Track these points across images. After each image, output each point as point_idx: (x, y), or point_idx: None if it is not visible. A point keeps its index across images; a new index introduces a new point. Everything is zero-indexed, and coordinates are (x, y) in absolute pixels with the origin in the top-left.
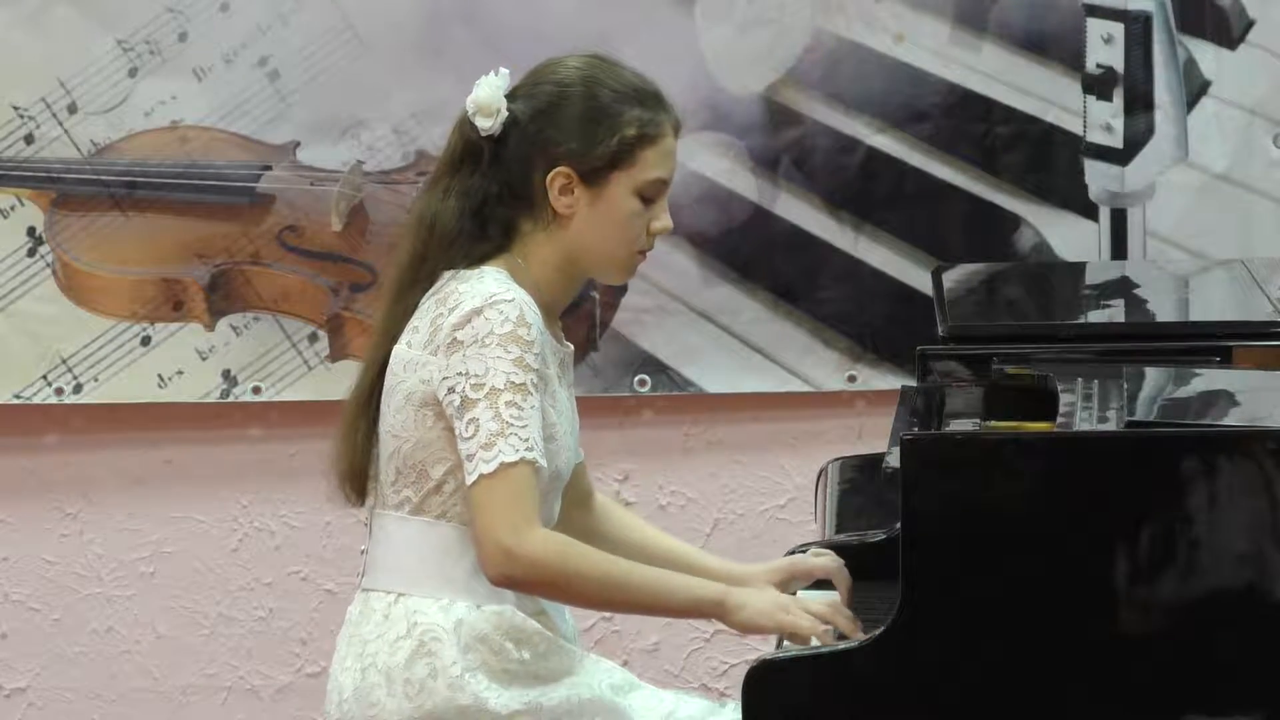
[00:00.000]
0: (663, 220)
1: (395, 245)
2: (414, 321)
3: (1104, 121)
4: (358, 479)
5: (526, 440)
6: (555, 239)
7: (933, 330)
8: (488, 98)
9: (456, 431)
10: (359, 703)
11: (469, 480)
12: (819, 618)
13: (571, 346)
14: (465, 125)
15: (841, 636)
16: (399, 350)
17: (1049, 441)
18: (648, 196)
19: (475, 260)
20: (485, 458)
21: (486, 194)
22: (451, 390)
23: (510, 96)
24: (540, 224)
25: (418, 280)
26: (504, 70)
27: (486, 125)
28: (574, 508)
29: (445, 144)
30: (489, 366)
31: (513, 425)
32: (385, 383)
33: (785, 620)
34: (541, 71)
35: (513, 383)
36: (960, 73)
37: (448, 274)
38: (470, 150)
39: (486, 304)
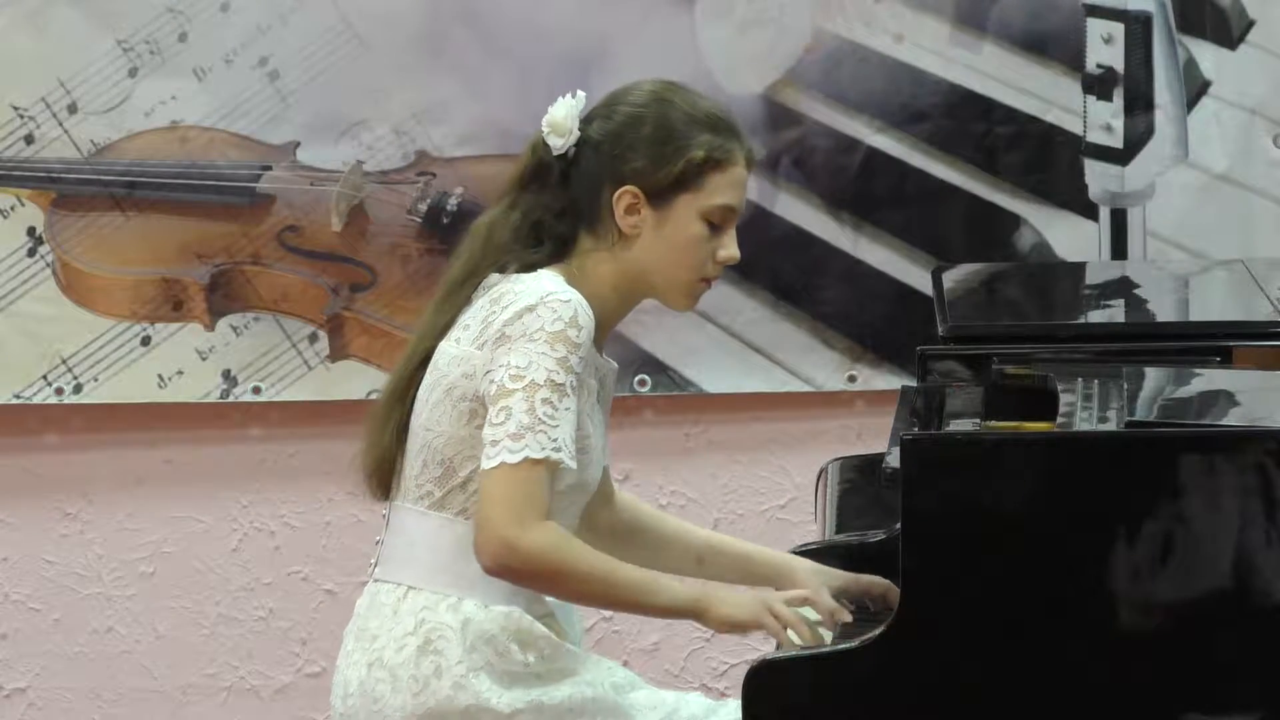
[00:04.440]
0: (729, 249)
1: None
2: (464, 319)
3: (1104, 121)
4: (384, 473)
5: (555, 440)
6: (618, 259)
7: (933, 330)
8: (562, 117)
9: (488, 418)
10: (364, 697)
11: (488, 464)
12: (787, 624)
13: (615, 365)
14: (539, 144)
15: (842, 636)
16: (445, 347)
17: (1049, 441)
18: (714, 223)
19: (528, 266)
20: (512, 448)
21: (548, 209)
22: (492, 382)
23: (586, 119)
24: (603, 243)
25: (465, 284)
26: (581, 93)
27: (558, 144)
28: (600, 507)
29: (516, 162)
30: (531, 360)
31: (545, 423)
32: (426, 379)
33: (760, 617)
34: (617, 95)
35: (553, 380)
36: (960, 73)
37: (500, 276)
38: (540, 169)
39: (540, 301)
